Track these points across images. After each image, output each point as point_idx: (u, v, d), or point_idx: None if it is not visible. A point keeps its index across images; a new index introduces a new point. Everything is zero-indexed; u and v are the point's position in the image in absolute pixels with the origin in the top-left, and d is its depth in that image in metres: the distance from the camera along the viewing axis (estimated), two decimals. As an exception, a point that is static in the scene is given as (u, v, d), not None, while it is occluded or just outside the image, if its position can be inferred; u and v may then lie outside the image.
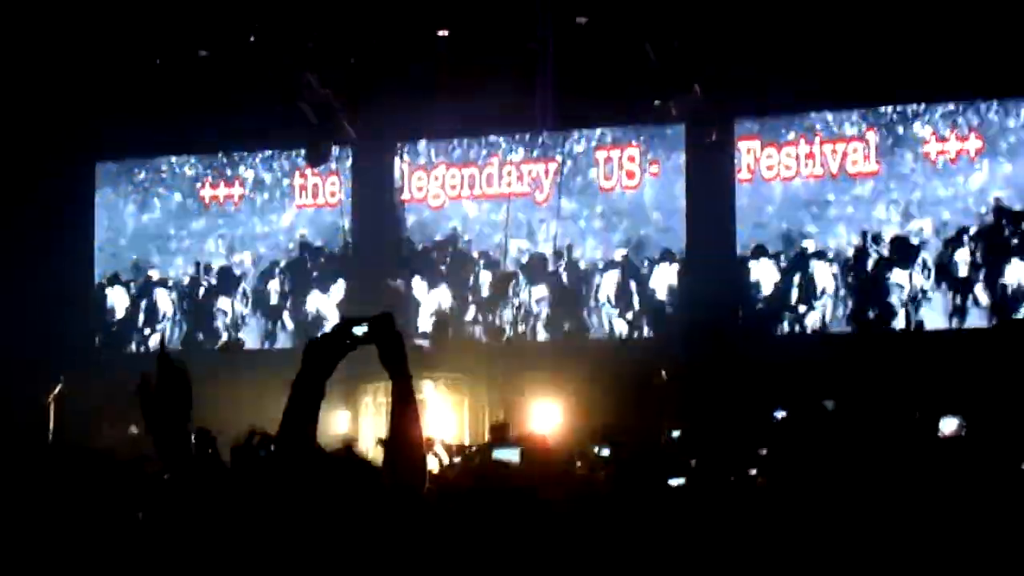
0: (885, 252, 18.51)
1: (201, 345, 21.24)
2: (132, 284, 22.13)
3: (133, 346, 22.04)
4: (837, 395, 13.52)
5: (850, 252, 18.72)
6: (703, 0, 16.83)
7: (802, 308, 18.93)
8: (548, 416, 16.41)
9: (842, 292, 18.81)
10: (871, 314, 18.45)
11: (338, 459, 3.64)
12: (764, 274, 19.16)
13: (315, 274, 21.33)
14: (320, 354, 3.87)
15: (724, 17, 17.13)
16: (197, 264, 21.84)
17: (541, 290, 20.08)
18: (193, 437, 9.80)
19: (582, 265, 20.02)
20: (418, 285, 20.67)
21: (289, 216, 21.51)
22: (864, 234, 18.66)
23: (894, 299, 18.46)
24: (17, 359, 18.43)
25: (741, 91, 18.15)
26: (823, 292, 18.84)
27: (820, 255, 18.89)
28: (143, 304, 22.05)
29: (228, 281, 21.70)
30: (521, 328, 19.88)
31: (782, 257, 19.08)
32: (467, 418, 17.33)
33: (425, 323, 20.21)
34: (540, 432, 5.47)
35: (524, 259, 20.10)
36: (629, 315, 19.77)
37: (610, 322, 19.83)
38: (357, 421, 16.70)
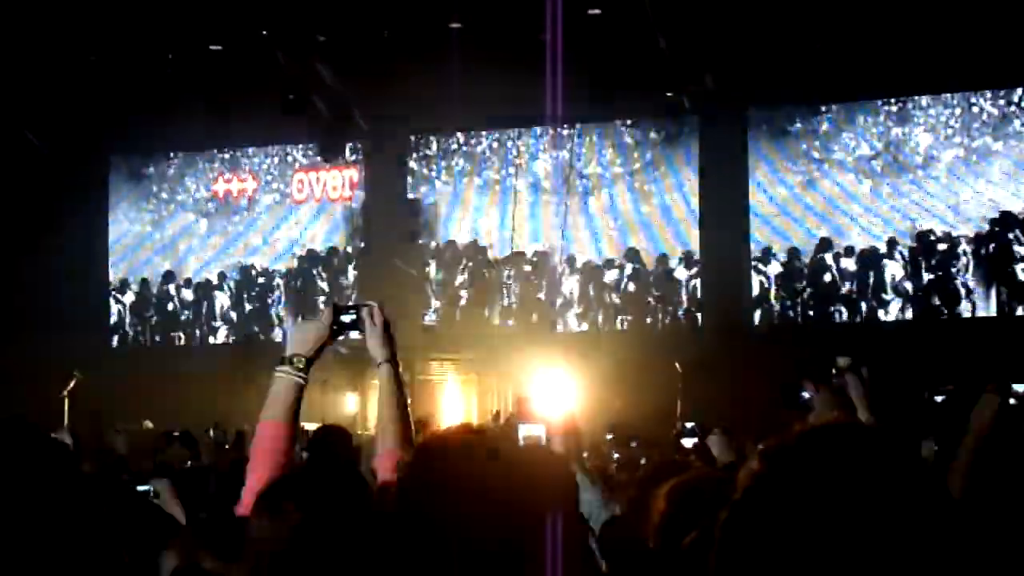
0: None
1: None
2: (145, 284, 22.17)
3: (146, 341, 22.09)
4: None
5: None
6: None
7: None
8: (559, 402, 16.34)
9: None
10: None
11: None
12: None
13: (326, 272, 21.36)
14: (308, 338, 3.85)
15: (737, 7, 17.06)
16: (208, 265, 21.90)
17: (546, 285, 20.05)
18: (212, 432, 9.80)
19: (592, 263, 20.00)
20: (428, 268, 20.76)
21: (304, 213, 21.53)
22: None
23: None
24: (31, 355, 18.48)
25: (754, 82, 18.12)
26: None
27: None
28: (154, 304, 22.10)
29: (245, 280, 21.73)
30: (534, 318, 19.84)
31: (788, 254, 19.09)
32: (475, 399, 17.32)
33: (434, 304, 20.27)
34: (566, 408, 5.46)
35: (531, 253, 20.02)
36: (639, 311, 19.74)
37: (621, 319, 19.79)
38: (365, 402, 16.60)
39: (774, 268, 19.11)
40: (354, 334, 3.94)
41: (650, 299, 19.62)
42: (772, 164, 19.23)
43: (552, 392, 16.77)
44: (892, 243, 18.54)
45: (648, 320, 19.67)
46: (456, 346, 18.28)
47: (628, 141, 20.01)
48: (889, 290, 18.51)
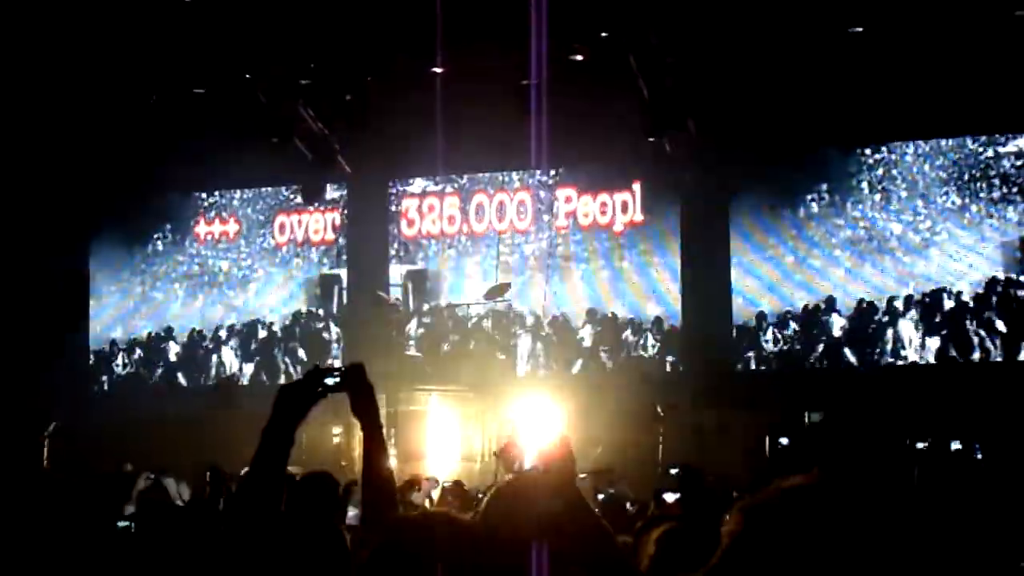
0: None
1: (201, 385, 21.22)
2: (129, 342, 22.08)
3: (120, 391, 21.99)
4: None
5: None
6: (699, 38, 16.87)
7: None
8: (547, 432, 16.39)
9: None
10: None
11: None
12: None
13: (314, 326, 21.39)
14: (291, 401, 3.87)
15: (720, 54, 17.21)
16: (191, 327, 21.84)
17: (527, 340, 20.10)
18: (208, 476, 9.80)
19: (572, 320, 20.06)
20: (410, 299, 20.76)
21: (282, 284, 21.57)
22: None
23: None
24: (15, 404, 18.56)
25: (737, 128, 18.27)
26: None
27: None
28: (135, 357, 22.00)
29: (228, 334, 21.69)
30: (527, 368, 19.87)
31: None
32: (467, 431, 17.29)
33: (416, 335, 20.26)
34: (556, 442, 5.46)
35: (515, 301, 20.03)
36: (618, 359, 19.82)
37: (602, 364, 19.84)
38: (350, 435, 16.55)
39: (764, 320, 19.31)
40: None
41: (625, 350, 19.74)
42: (753, 242, 19.39)
43: (537, 425, 16.89)
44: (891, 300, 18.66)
45: (625, 362, 19.75)
46: (441, 378, 18.29)
47: (607, 193, 20.08)
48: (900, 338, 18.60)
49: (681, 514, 5.39)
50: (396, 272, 20.82)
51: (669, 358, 19.60)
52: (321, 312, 21.32)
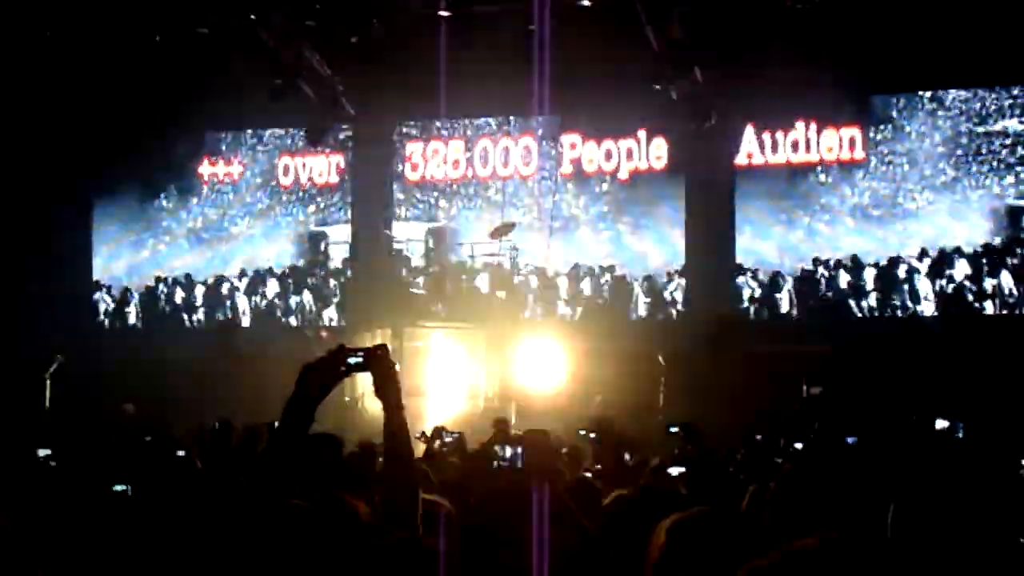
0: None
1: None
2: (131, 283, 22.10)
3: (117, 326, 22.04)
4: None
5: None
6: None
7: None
8: (549, 376, 16.54)
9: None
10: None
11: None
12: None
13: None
14: (314, 380, 3.86)
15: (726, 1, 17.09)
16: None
17: (533, 282, 20.10)
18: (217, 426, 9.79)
19: (580, 266, 20.08)
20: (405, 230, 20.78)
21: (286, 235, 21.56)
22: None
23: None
24: (21, 339, 18.68)
25: (743, 74, 18.16)
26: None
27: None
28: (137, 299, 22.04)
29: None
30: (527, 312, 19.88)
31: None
32: (471, 368, 17.34)
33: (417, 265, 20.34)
34: (541, 429, 5.49)
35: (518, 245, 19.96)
36: (619, 309, 19.86)
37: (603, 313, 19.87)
38: (353, 386, 16.36)
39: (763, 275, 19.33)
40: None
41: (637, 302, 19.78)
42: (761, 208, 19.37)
43: (539, 369, 16.96)
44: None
45: (632, 315, 19.79)
46: (446, 315, 18.33)
47: (612, 139, 20.02)
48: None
49: (687, 494, 5.38)
50: (418, 229, 20.77)
51: (673, 308, 19.62)
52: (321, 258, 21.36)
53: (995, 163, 18.45)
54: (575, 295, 20.03)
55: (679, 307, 19.58)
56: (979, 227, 18.39)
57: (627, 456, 9.33)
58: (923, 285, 18.53)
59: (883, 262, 18.73)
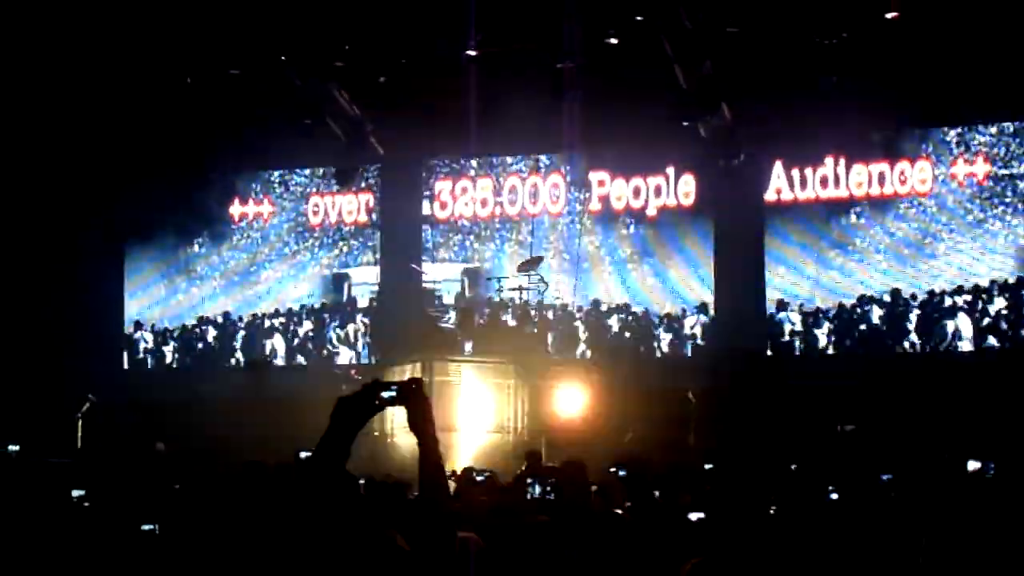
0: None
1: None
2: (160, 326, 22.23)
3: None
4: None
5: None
6: (733, 22, 16.78)
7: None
8: (578, 411, 16.46)
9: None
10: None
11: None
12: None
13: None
14: (349, 414, 3.87)
15: (753, 38, 17.10)
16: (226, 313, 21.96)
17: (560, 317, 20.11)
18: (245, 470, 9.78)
19: (602, 307, 20.10)
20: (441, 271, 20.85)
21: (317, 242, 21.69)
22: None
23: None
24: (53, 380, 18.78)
25: (771, 111, 18.15)
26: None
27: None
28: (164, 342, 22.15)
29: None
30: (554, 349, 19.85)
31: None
32: (500, 401, 17.29)
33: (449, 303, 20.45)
34: (578, 460, 5.46)
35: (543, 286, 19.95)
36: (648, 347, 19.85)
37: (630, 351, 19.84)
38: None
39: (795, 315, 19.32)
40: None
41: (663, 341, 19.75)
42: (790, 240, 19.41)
43: (568, 404, 16.88)
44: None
45: (657, 352, 19.76)
46: (474, 350, 18.32)
47: (640, 177, 20.06)
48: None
49: (708, 542, 5.34)
50: (454, 270, 20.86)
51: (697, 344, 19.55)
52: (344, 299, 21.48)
53: (1020, 204, 18.45)
54: (600, 331, 20.00)
55: (700, 342, 19.50)
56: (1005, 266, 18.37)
57: (656, 494, 9.23)
58: (963, 322, 18.44)
59: (923, 297, 18.65)
